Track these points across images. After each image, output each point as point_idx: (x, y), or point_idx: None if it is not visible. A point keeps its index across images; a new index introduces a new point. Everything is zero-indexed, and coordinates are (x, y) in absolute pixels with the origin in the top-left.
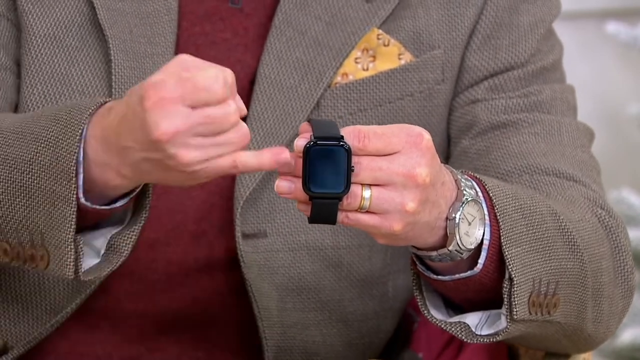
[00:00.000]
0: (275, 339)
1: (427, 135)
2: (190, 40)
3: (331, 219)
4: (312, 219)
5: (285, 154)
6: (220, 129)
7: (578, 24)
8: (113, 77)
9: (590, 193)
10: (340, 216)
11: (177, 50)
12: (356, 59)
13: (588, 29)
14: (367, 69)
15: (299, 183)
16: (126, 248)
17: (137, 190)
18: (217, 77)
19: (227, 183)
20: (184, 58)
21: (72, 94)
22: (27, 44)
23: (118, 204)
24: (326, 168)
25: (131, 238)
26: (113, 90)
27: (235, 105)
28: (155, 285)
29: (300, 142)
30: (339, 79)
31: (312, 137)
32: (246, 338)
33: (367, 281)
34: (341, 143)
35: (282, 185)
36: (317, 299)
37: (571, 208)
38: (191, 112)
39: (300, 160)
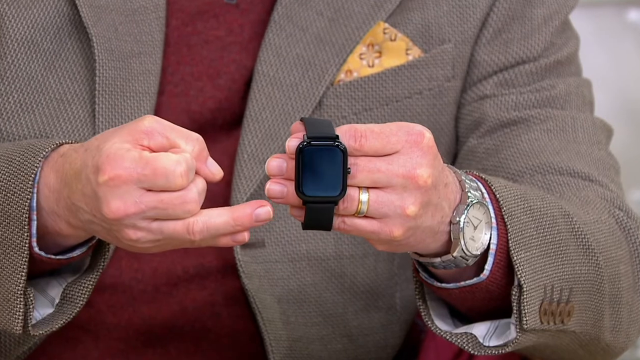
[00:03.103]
0: (282, 353)
1: (428, 134)
2: (181, 39)
3: (326, 225)
4: (306, 225)
5: (241, 235)
6: (173, 216)
7: (597, 12)
8: (97, 77)
9: (607, 193)
10: (336, 222)
11: (167, 50)
12: (361, 54)
13: (607, 17)
14: (373, 66)
15: (291, 186)
16: (81, 298)
17: (95, 240)
18: (178, 163)
19: (220, 188)
20: (150, 123)
21: (50, 102)
22: (2, 49)
23: (75, 253)
24: (320, 170)
25: (87, 288)
26: (97, 93)
27: (196, 192)
28: (140, 296)
29: (293, 143)
30: (342, 76)
31: (305, 137)
32: (241, 350)
33: (373, 292)
34: (336, 143)
35: (274, 189)
36: (319, 312)
37: (586, 209)
38: (144, 195)
39: (293, 162)
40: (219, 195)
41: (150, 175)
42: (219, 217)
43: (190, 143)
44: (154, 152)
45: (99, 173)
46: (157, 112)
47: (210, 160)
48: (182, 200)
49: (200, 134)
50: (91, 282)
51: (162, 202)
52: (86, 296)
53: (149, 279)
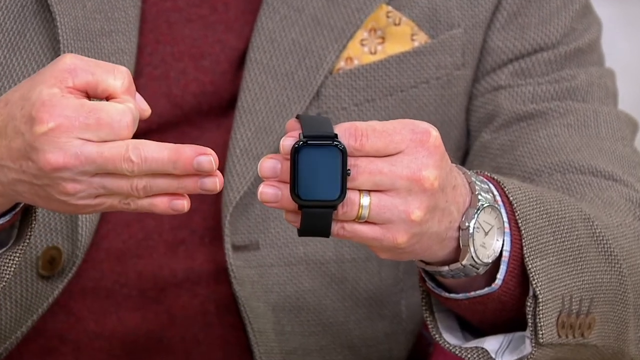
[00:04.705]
0: None
1: (434, 132)
2: (160, 16)
3: (324, 231)
4: (302, 231)
5: (180, 202)
6: (112, 171)
7: None
8: None
9: (632, 194)
10: (335, 227)
11: (144, 27)
12: (362, 40)
13: (632, 3)
14: (375, 53)
15: (286, 189)
16: (8, 272)
17: (20, 207)
18: (124, 114)
19: None
20: (72, 61)
21: (14, 86)
22: None
23: None
24: (318, 172)
25: (13, 260)
26: None
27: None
28: (124, 303)
29: (288, 142)
30: (342, 64)
31: (301, 136)
32: None
33: (377, 299)
34: (335, 142)
35: (267, 192)
36: (318, 321)
37: (609, 212)
38: (85, 145)
39: (288, 163)
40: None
41: (94, 125)
42: (161, 180)
43: (119, 77)
44: (80, 92)
45: (34, 123)
46: None
47: (139, 96)
48: (124, 157)
49: (186, 122)
50: (17, 254)
51: (102, 157)
52: (12, 269)
53: (134, 283)
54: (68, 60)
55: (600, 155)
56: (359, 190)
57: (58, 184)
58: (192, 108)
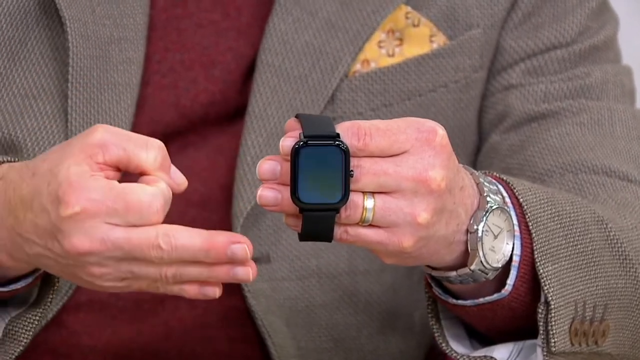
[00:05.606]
0: None
1: (441, 131)
2: (170, 23)
3: (326, 235)
4: (303, 236)
5: (212, 289)
6: (140, 258)
7: None
8: (70, 67)
9: None
10: (338, 231)
11: (153, 35)
12: (380, 42)
13: None
14: (393, 55)
15: (286, 192)
16: (25, 336)
17: (41, 271)
18: (155, 197)
19: (218, 195)
20: (102, 135)
21: (14, 98)
22: None
23: (19, 285)
24: (319, 173)
25: (32, 324)
26: (70, 85)
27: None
28: (120, 315)
29: (287, 143)
30: (358, 66)
31: (302, 136)
32: None
33: (390, 312)
34: (337, 142)
35: (266, 195)
36: (330, 336)
37: (623, 213)
38: (112, 231)
39: (288, 165)
40: (218, 203)
41: (121, 210)
42: (192, 269)
43: (152, 152)
44: (111, 167)
45: (60, 204)
46: (140, 107)
47: (174, 169)
48: (153, 244)
49: (190, 130)
50: (37, 318)
51: (130, 243)
52: (31, 334)
53: (130, 294)
54: (99, 134)
55: (615, 155)
56: (363, 192)
57: (84, 267)
58: (199, 118)
